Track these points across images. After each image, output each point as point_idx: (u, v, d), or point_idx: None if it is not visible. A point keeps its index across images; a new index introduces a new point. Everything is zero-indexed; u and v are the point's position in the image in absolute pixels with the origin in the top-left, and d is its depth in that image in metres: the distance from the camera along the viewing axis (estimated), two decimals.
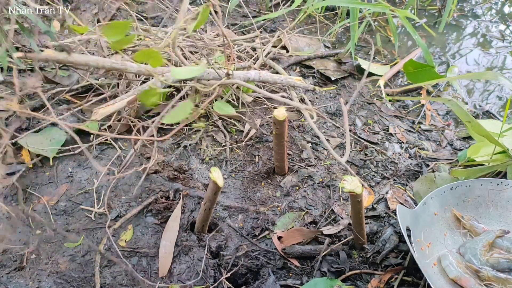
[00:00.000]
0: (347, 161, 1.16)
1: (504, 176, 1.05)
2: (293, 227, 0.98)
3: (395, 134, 1.27)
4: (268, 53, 1.48)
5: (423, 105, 1.39)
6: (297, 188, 1.08)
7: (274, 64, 1.41)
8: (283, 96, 1.33)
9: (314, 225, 1.00)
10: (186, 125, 1.22)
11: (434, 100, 1.23)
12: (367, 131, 1.28)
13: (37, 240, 0.93)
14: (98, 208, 0.99)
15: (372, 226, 0.99)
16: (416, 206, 0.93)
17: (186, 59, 1.27)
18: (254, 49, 1.50)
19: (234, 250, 0.94)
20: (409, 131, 1.29)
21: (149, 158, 1.12)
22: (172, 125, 1.19)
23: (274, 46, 1.53)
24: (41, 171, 1.06)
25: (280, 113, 0.94)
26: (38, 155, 1.08)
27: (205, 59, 1.15)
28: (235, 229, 0.98)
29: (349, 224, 0.99)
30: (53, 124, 1.14)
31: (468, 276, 0.86)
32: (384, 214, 1.02)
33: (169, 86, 1.13)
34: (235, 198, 1.05)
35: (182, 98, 1.15)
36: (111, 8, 1.65)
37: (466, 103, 1.43)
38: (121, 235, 0.94)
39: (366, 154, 1.19)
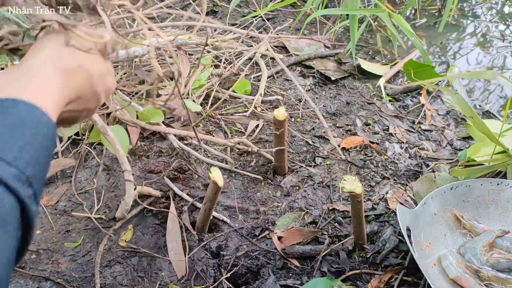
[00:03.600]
0: (347, 161, 1.16)
1: (504, 176, 1.05)
2: (293, 227, 0.98)
3: (395, 134, 1.27)
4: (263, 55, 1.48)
5: (423, 105, 1.39)
6: (297, 188, 1.08)
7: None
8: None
9: (314, 225, 1.00)
10: (184, 125, 1.22)
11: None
12: (367, 131, 1.28)
13: (37, 240, 0.93)
14: (98, 208, 0.99)
15: (372, 226, 0.99)
16: (416, 206, 0.93)
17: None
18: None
19: (234, 250, 0.94)
20: (409, 131, 1.29)
21: (148, 156, 1.12)
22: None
23: (279, 47, 1.53)
24: None
25: (280, 113, 0.94)
26: None
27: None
28: (235, 229, 0.98)
29: (349, 223, 0.99)
30: None
31: (468, 276, 0.86)
32: (384, 214, 1.03)
33: None
34: (235, 198, 1.05)
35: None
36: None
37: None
38: (122, 235, 0.94)
39: (366, 154, 1.19)
